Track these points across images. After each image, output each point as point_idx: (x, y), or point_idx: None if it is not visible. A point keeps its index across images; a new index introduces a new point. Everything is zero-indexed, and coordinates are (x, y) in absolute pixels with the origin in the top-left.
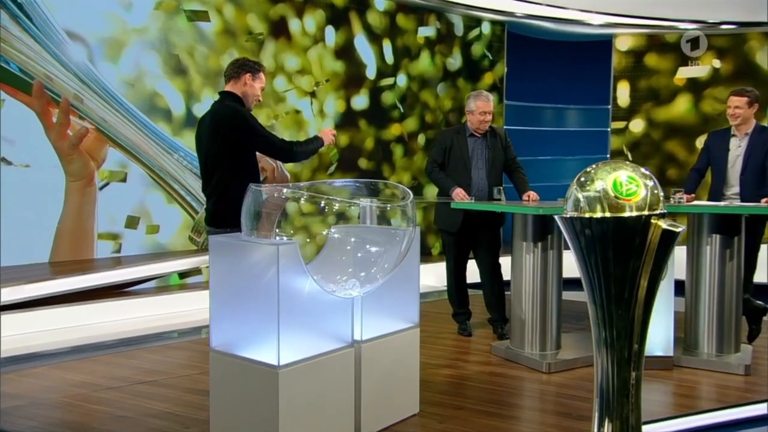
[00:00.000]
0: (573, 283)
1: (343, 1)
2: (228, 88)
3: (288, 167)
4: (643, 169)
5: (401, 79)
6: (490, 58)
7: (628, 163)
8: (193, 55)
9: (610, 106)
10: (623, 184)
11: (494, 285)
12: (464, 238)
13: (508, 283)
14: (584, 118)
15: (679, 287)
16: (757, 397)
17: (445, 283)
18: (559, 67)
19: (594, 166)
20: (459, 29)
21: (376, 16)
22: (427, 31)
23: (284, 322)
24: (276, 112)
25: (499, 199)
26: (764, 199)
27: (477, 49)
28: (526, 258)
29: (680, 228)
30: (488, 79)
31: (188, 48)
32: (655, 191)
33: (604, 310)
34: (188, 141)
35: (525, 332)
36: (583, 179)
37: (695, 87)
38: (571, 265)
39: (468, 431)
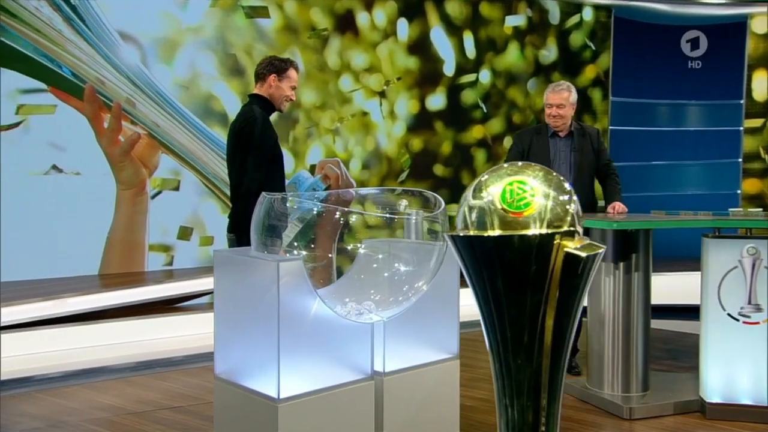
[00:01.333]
0: (666, 311)
1: None
2: (256, 90)
3: (354, 175)
4: (554, 175)
5: (484, 76)
6: (593, 48)
7: (537, 166)
8: (252, 54)
9: (743, 101)
10: (513, 193)
11: None
12: None
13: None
14: (710, 116)
15: None
16: None
17: None
18: (678, 56)
19: (494, 168)
20: (555, 17)
21: (456, 6)
22: (516, 21)
23: (286, 349)
24: (341, 115)
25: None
26: None
27: (576, 39)
28: (606, 281)
29: (599, 250)
30: (590, 72)
31: (246, 47)
32: (566, 204)
33: (500, 358)
34: None
35: (604, 369)
36: (475, 187)
37: None
38: (662, 290)
39: None
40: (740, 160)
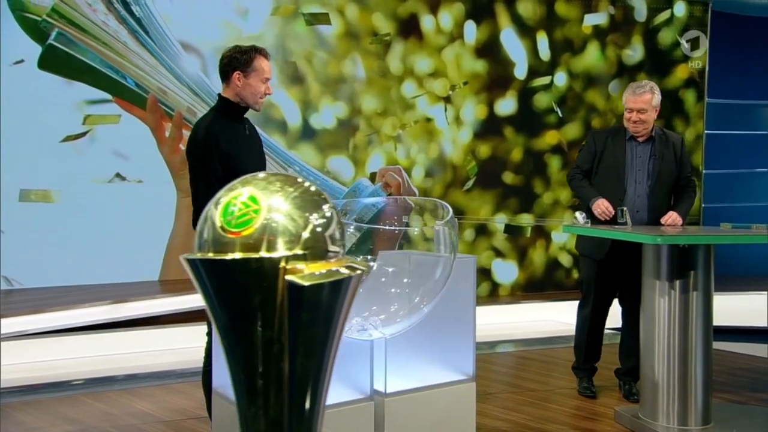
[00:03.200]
0: (732, 333)
1: None
2: (222, 91)
3: (416, 183)
4: (315, 190)
5: (560, 78)
6: (686, 46)
7: (288, 175)
8: (312, 61)
9: None
10: (236, 209)
11: (639, 331)
12: (612, 269)
13: None
14: None
15: None
16: None
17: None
18: None
19: (245, 178)
20: (641, 14)
21: (529, 6)
22: (596, 19)
23: None
24: (403, 121)
25: (624, 223)
26: None
27: (666, 36)
28: (660, 302)
29: (332, 278)
30: (682, 72)
31: (306, 54)
32: (311, 223)
33: (237, 403)
34: (304, 155)
35: (658, 399)
36: (215, 199)
37: None
38: (726, 312)
39: None
40: None
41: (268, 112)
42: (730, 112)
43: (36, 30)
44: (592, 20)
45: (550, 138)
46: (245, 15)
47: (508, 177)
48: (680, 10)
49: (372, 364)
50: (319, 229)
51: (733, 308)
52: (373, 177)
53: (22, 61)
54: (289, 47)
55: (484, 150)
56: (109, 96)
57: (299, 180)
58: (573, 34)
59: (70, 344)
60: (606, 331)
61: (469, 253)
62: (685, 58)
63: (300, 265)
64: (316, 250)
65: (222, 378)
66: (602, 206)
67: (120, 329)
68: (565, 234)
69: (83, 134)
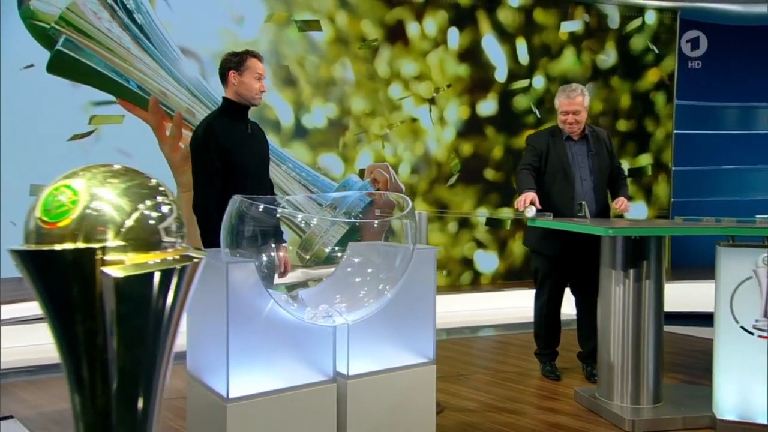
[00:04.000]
0: (694, 318)
1: (469, 0)
2: (225, 93)
3: (403, 179)
4: (143, 180)
5: (538, 81)
6: (656, 51)
7: (126, 169)
8: (304, 65)
9: None
10: (55, 200)
11: (594, 316)
12: (564, 262)
13: None
14: None
15: None
16: None
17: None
18: (750, 56)
19: (70, 171)
20: (614, 21)
21: (509, 14)
22: (572, 26)
23: (237, 350)
24: (390, 121)
25: (584, 216)
26: None
27: (638, 42)
28: (616, 290)
29: (144, 271)
30: (653, 76)
31: (298, 58)
32: (135, 213)
33: (69, 395)
34: (297, 152)
35: (614, 380)
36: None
37: None
38: (688, 298)
39: None
40: None
41: (262, 112)
42: (698, 113)
43: (45, 36)
44: (568, 27)
45: None
46: (241, 22)
47: (489, 173)
48: (651, 18)
49: (335, 348)
50: (149, 221)
51: (694, 295)
52: (362, 173)
53: (32, 65)
54: (282, 52)
55: (466, 148)
56: (113, 98)
57: (135, 173)
58: (550, 40)
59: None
60: (569, 318)
61: (452, 245)
62: (656, 62)
63: (122, 256)
64: (142, 240)
65: (195, 361)
66: (528, 199)
67: None
68: None
69: (89, 133)
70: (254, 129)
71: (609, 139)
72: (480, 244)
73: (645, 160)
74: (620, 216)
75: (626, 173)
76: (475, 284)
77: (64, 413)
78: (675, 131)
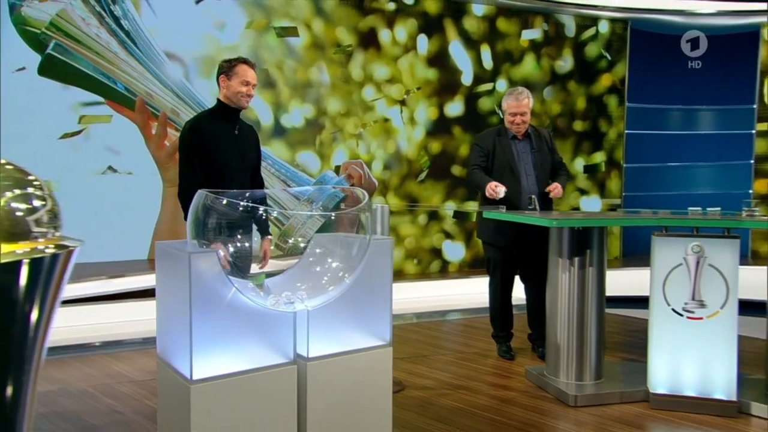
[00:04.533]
0: (632, 301)
1: (437, 9)
2: (218, 97)
3: (376, 175)
4: (6, 166)
5: (501, 84)
6: (609, 58)
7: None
8: (282, 69)
9: (755, 106)
10: None
11: (542, 300)
12: (513, 252)
13: None
14: (722, 120)
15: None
16: None
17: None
18: (692, 64)
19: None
20: (571, 30)
21: (474, 22)
22: (532, 34)
23: (200, 335)
24: (364, 121)
25: (534, 209)
26: None
27: (592, 50)
28: (562, 277)
29: (17, 256)
30: (606, 80)
31: (277, 62)
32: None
33: None
34: (276, 150)
35: (560, 358)
36: None
37: None
38: (627, 284)
39: None
40: (752, 161)
41: (243, 113)
42: (647, 115)
43: (36, 41)
44: (528, 35)
45: None
46: (223, 28)
47: (456, 170)
48: (604, 27)
49: (295, 332)
50: (16, 212)
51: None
52: (337, 169)
53: (23, 68)
54: (262, 56)
55: (435, 146)
56: (101, 99)
57: (13, 168)
58: (512, 47)
59: (68, 314)
60: (522, 303)
61: (423, 236)
62: (609, 68)
63: None
64: (7, 231)
65: (162, 345)
66: (492, 187)
67: (112, 301)
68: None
69: (79, 132)
70: (244, 131)
71: (550, 137)
72: (448, 235)
73: (599, 157)
74: (576, 209)
75: (567, 167)
76: (444, 272)
77: (48, 393)
78: (626, 131)
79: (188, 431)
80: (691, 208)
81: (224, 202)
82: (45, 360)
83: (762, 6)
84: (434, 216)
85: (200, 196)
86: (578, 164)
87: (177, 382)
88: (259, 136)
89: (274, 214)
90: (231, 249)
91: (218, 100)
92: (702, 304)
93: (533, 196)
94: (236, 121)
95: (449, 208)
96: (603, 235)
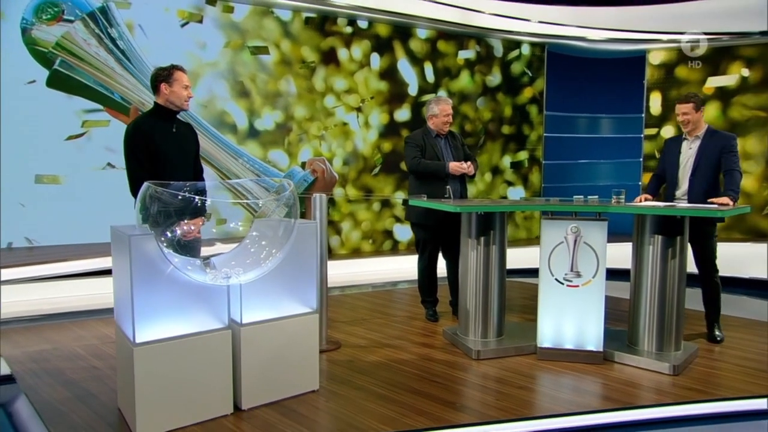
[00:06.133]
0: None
1: (387, 32)
2: (156, 100)
3: (336, 168)
4: None
5: (441, 95)
6: (530, 75)
7: None
8: (255, 81)
9: (643, 115)
10: None
11: (457, 272)
12: (439, 232)
13: None
14: (618, 126)
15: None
16: (664, 400)
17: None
18: (596, 80)
19: None
20: (499, 51)
21: (418, 43)
22: (467, 54)
23: (141, 304)
24: (325, 125)
25: (449, 197)
26: (717, 200)
27: (516, 68)
28: (471, 254)
29: None
30: (528, 93)
31: (251, 76)
32: None
33: None
34: (251, 149)
35: (469, 320)
36: None
37: (724, 95)
38: (530, 257)
39: (341, 410)
40: (641, 159)
41: (222, 118)
42: (561, 121)
43: (44, 58)
44: (464, 55)
45: None
46: (204, 47)
47: (404, 165)
48: (526, 49)
49: (229, 301)
50: None
51: None
52: (303, 165)
53: (34, 81)
54: (238, 71)
55: (386, 146)
56: (100, 106)
57: None
58: (450, 64)
59: (73, 286)
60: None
61: (377, 220)
62: (530, 83)
63: None
64: None
65: (117, 313)
66: (456, 165)
67: (108, 276)
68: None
69: (82, 134)
70: (181, 129)
71: (461, 137)
72: (398, 219)
73: (523, 155)
74: (504, 197)
75: (476, 158)
76: (394, 250)
77: (42, 352)
78: (545, 134)
79: (132, 389)
80: (576, 196)
81: (165, 192)
82: (47, 324)
83: (644, 36)
84: (386, 204)
85: (146, 187)
86: (506, 161)
87: (126, 344)
88: (197, 132)
89: (208, 202)
90: (178, 232)
91: (156, 103)
92: (578, 275)
93: (448, 187)
94: (173, 121)
95: (398, 197)
96: (504, 219)
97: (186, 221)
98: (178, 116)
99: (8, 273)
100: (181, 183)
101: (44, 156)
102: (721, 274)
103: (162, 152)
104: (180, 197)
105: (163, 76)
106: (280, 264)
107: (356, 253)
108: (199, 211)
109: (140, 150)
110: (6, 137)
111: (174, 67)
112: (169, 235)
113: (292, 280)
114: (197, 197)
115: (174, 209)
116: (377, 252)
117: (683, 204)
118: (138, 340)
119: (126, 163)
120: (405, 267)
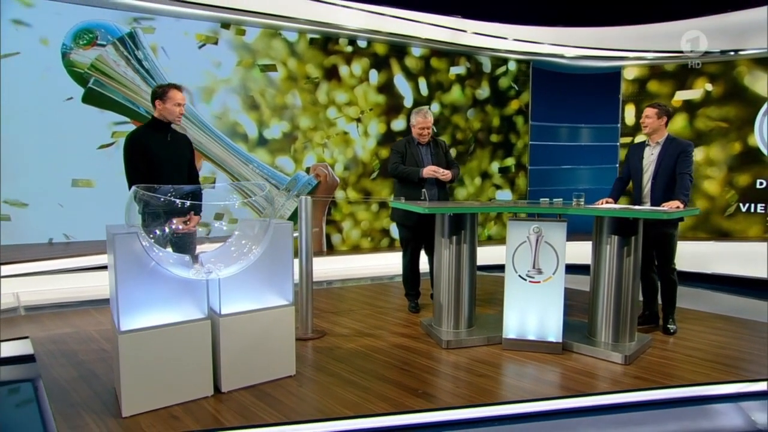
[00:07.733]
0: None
1: (384, 50)
2: (153, 113)
3: (338, 174)
4: None
5: (434, 107)
6: (516, 88)
7: None
8: (264, 95)
9: (619, 125)
10: None
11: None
12: (420, 231)
13: None
14: (597, 135)
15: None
16: (613, 388)
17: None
18: (577, 94)
19: None
20: (487, 67)
21: (413, 60)
22: (457, 70)
23: (126, 295)
24: (328, 134)
25: (425, 200)
26: (667, 204)
27: (504, 82)
28: (444, 252)
29: None
30: (514, 105)
31: (261, 90)
32: None
33: None
34: (260, 156)
35: (443, 312)
36: None
37: (690, 107)
38: (502, 255)
39: (311, 394)
40: (617, 165)
41: (234, 128)
42: (545, 131)
43: (80, 78)
44: (455, 70)
45: None
46: (219, 66)
47: None
48: (512, 65)
49: (208, 293)
50: None
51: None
52: (308, 170)
53: (71, 98)
54: (249, 86)
55: (384, 153)
56: (128, 119)
57: None
58: (443, 79)
59: (101, 276)
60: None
61: (376, 221)
62: (517, 96)
63: None
64: None
65: (111, 304)
66: (430, 170)
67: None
68: None
69: (111, 144)
70: (176, 138)
71: (445, 144)
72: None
73: (510, 161)
74: (492, 199)
75: (458, 164)
76: (391, 247)
77: (63, 335)
78: (530, 142)
79: (118, 371)
80: (542, 199)
81: (150, 194)
82: (72, 311)
83: (617, 53)
84: (383, 205)
85: (133, 190)
86: (494, 166)
87: (114, 332)
88: (191, 141)
89: (187, 204)
90: (167, 230)
91: (152, 116)
92: (540, 271)
93: (424, 190)
94: (168, 131)
95: (393, 200)
96: (474, 220)
97: (175, 220)
98: (173, 126)
99: (49, 264)
100: (168, 186)
101: (79, 163)
102: (686, 270)
103: (157, 159)
104: (162, 199)
105: (158, 94)
106: (259, 260)
107: (356, 249)
108: (183, 212)
109: (138, 159)
110: (48, 146)
111: (170, 86)
112: (157, 232)
113: (270, 275)
114: (178, 200)
115: (163, 210)
116: (375, 249)
117: (640, 207)
118: (122, 328)
119: (125, 169)
120: (399, 263)
